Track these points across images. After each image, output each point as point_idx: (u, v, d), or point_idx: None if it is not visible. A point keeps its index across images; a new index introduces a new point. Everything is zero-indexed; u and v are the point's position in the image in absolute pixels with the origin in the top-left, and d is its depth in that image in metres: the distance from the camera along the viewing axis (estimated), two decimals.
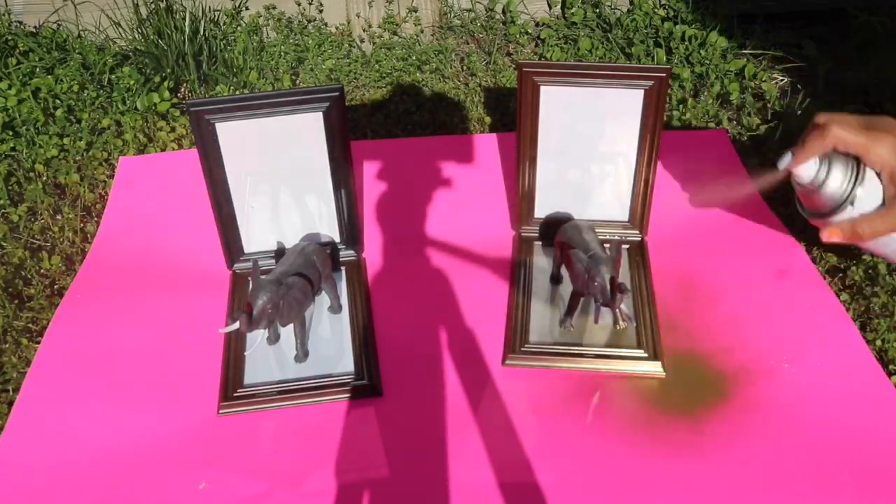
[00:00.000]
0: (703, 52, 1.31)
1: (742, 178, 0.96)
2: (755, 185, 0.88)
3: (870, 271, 0.93)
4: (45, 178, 1.11)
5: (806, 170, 0.67)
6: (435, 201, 1.04)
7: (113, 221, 1.03)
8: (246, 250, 0.92)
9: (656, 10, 1.40)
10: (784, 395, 0.79)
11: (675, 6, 1.40)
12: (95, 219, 1.06)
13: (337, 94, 0.83)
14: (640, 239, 0.95)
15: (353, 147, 0.88)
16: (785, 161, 0.68)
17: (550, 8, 1.46)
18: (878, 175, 0.65)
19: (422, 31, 1.44)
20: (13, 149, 1.17)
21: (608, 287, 0.77)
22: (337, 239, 0.93)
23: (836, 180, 0.66)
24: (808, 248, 0.96)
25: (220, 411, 0.79)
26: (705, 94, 1.23)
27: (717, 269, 0.93)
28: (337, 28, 1.45)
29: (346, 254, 0.94)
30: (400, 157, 1.11)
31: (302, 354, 0.83)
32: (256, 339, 0.83)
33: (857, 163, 0.65)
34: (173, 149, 1.17)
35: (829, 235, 0.69)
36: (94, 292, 0.92)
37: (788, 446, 0.74)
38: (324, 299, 0.89)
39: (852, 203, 0.66)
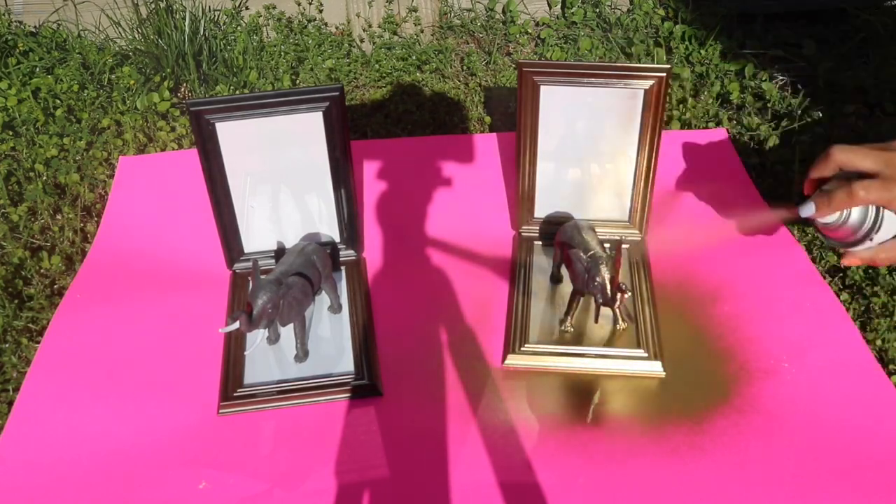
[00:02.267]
0: (703, 52, 1.31)
1: (762, 210, 1.00)
2: (775, 216, 0.95)
3: (870, 271, 0.93)
4: (45, 178, 1.11)
5: (830, 217, 0.71)
6: (435, 201, 1.04)
7: (113, 221, 1.03)
8: (246, 250, 0.92)
9: (656, 10, 1.40)
10: (784, 395, 0.79)
11: (674, 6, 1.40)
12: (95, 219, 1.06)
13: (337, 94, 0.83)
14: (640, 239, 0.95)
15: (353, 147, 0.88)
16: (808, 211, 0.72)
17: (550, 8, 1.46)
18: None
19: (422, 31, 1.44)
20: (13, 149, 1.17)
21: (608, 286, 0.77)
22: (337, 239, 0.93)
23: (857, 221, 0.71)
24: (808, 248, 0.96)
25: (220, 411, 0.79)
26: (705, 94, 1.23)
27: (717, 269, 0.93)
28: (337, 28, 1.45)
29: (346, 254, 0.94)
30: (400, 157, 1.11)
31: (302, 354, 0.83)
32: (256, 339, 0.83)
33: (875, 206, 0.70)
34: (173, 149, 1.17)
35: (850, 262, 0.74)
36: (94, 292, 0.92)
37: (788, 446, 0.74)
38: (324, 299, 0.89)
39: (871, 238, 0.71)
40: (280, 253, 0.91)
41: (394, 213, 1.03)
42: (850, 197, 0.68)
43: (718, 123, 1.18)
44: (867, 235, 0.70)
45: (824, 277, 0.92)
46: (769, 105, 1.21)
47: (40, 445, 0.76)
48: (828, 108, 1.19)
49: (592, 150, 0.91)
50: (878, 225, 0.70)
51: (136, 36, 1.35)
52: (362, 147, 1.12)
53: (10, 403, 0.81)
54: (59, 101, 1.25)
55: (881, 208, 0.69)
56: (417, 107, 1.25)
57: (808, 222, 0.74)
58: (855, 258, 0.73)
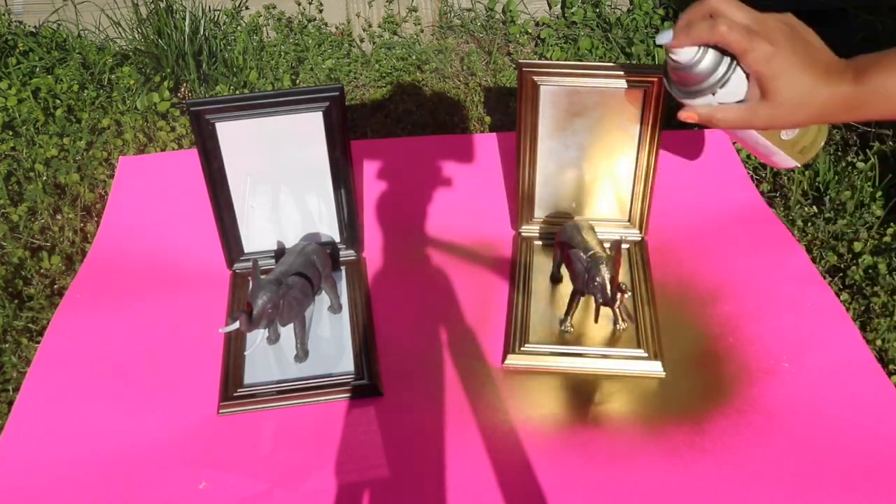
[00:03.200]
0: None
1: None
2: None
3: (870, 271, 0.93)
4: (45, 178, 1.11)
5: (684, 53, 0.68)
6: (435, 201, 1.04)
7: (113, 221, 1.03)
8: (246, 250, 0.92)
9: (656, 10, 1.40)
10: (784, 395, 0.79)
11: (675, 6, 1.40)
12: (95, 219, 1.06)
13: (337, 94, 0.83)
14: (640, 239, 0.95)
15: (353, 147, 0.88)
16: (665, 38, 0.68)
17: (550, 7, 1.46)
18: (748, 76, 0.67)
19: (422, 31, 1.44)
20: (13, 149, 1.17)
21: (608, 286, 0.77)
22: (337, 239, 0.93)
23: (708, 68, 0.68)
24: (808, 248, 0.96)
25: (220, 411, 0.79)
26: None
27: (717, 269, 0.93)
28: (337, 28, 1.45)
29: (346, 254, 0.94)
30: (400, 157, 1.11)
31: (302, 354, 0.83)
32: (256, 339, 0.83)
33: (731, 58, 0.67)
34: (173, 149, 1.17)
35: (686, 117, 0.71)
36: (94, 292, 0.92)
37: (788, 446, 0.74)
38: (324, 299, 0.89)
39: (714, 94, 0.68)
40: (280, 253, 0.91)
41: (394, 213, 1.03)
42: (710, 30, 0.65)
43: None
44: (712, 87, 0.68)
45: (824, 277, 0.92)
46: None
47: (40, 445, 0.76)
48: None
49: (592, 150, 0.91)
50: (725, 79, 0.67)
51: (136, 36, 1.36)
52: (362, 147, 1.12)
53: (10, 403, 0.81)
54: (59, 101, 1.25)
55: (734, 64, 0.67)
56: (417, 107, 1.25)
57: (666, 67, 0.72)
58: (693, 113, 0.71)
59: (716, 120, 0.70)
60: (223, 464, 0.74)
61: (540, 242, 0.97)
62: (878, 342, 0.85)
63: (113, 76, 1.30)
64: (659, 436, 0.75)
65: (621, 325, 0.84)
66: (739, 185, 1.05)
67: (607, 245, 0.83)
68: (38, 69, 1.31)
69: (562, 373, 0.82)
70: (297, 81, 1.32)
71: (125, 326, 0.88)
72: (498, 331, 0.86)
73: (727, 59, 0.67)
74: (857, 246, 0.96)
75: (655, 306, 0.87)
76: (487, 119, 1.21)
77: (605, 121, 0.88)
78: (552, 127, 0.90)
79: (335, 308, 0.89)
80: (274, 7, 1.43)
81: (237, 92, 1.28)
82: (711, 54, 0.67)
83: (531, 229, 0.97)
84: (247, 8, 1.44)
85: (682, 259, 0.94)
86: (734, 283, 0.91)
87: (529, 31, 1.43)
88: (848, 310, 0.87)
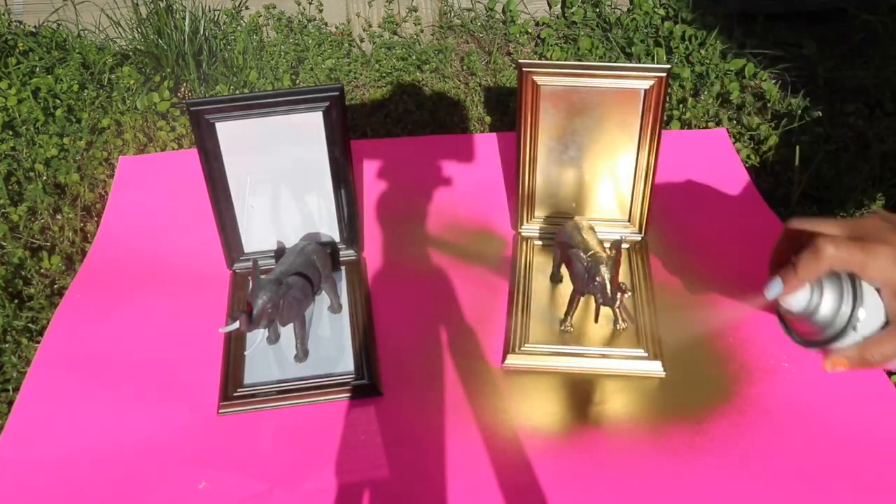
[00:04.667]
0: (703, 51, 1.31)
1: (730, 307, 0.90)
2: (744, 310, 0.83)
3: None
4: (45, 178, 1.11)
5: (798, 299, 0.58)
6: (435, 201, 1.04)
7: (113, 221, 1.03)
8: (246, 250, 0.92)
9: (656, 10, 1.40)
10: (784, 395, 0.79)
11: (675, 6, 1.40)
12: (95, 219, 1.06)
13: (337, 93, 0.83)
14: (640, 239, 0.95)
15: (353, 147, 0.88)
16: (775, 290, 0.58)
17: (550, 7, 1.46)
18: (878, 290, 0.57)
19: (422, 31, 1.44)
20: (13, 149, 1.17)
21: (608, 286, 0.77)
22: (337, 239, 0.93)
23: (833, 305, 0.57)
24: None
25: (220, 411, 0.79)
26: (705, 93, 1.23)
27: (718, 269, 0.93)
28: (337, 28, 1.45)
29: (346, 254, 0.94)
30: (400, 157, 1.11)
31: (302, 354, 0.83)
32: (256, 338, 0.83)
33: (851, 280, 0.57)
34: (173, 149, 1.17)
35: (835, 365, 0.59)
36: (94, 292, 0.92)
37: (789, 446, 0.74)
38: (324, 299, 0.89)
39: (854, 328, 0.57)
40: (280, 253, 0.91)
41: (394, 214, 1.03)
42: (818, 259, 0.56)
43: (718, 123, 1.18)
44: (849, 323, 0.56)
45: None
46: (769, 105, 1.21)
47: (40, 445, 0.76)
48: (828, 108, 1.19)
49: (592, 150, 0.91)
50: (857, 307, 0.56)
51: (136, 36, 1.36)
52: (362, 147, 1.12)
53: (10, 403, 0.81)
54: (59, 101, 1.25)
55: (857, 284, 0.56)
56: (417, 107, 1.25)
57: (781, 317, 0.62)
58: (842, 359, 0.58)
59: (871, 357, 0.57)
60: (223, 464, 0.74)
61: (540, 242, 0.96)
62: None
63: (113, 76, 1.30)
64: (659, 436, 0.75)
65: (621, 325, 0.84)
66: (739, 185, 1.05)
67: (607, 245, 0.83)
68: (38, 69, 1.31)
69: (562, 373, 0.82)
70: (297, 81, 1.32)
71: (125, 326, 0.88)
72: (498, 331, 0.86)
73: (847, 283, 0.57)
74: None
75: (655, 306, 0.87)
76: (487, 119, 1.21)
77: (605, 121, 0.88)
78: (552, 127, 0.89)
79: (335, 308, 0.89)
80: (274, 7, 1.43)
81: (237, 92, 1.28)
82: (830, 288, 0.57)
83: (531, 229, 0.97)
84: (247, 8, 1.44)
85: (682, 259, 0.94)
86: (734, 284, 0.90)
87: (529, 31, 1.43)
88: None
